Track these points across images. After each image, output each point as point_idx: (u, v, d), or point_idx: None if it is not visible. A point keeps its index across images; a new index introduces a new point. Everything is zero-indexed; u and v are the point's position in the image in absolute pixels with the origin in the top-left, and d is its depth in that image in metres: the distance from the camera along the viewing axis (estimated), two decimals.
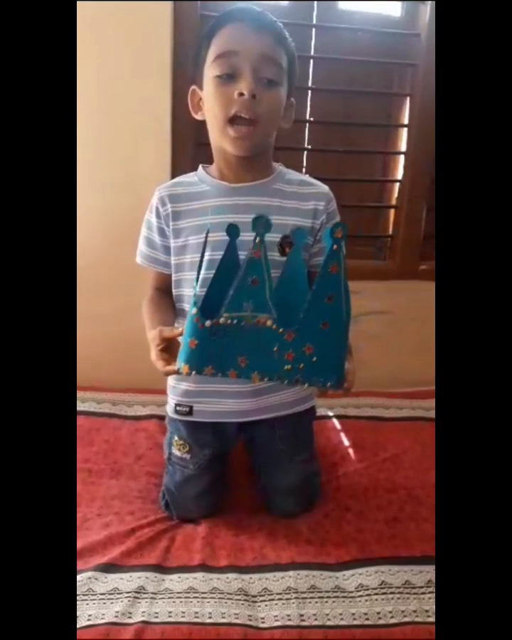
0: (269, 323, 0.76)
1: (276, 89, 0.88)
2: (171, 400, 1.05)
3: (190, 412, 1.02)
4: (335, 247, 0.75)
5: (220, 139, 0.91)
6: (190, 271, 0.97)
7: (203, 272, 0.85)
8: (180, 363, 0.78)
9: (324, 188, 1.00)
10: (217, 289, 0.81)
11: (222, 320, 0.76)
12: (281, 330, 0.76)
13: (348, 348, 0.82)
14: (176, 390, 1.04)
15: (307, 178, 1.02)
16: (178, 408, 1.03)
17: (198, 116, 0.96)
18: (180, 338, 0.80)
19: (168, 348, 0.83)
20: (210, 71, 0.88)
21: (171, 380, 1.05)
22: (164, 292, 1.03)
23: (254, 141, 0.89)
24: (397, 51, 1.50)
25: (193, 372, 0.77)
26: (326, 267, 0.76)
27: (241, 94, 0.85)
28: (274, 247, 0.87)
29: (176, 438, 1.06)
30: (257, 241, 0.75)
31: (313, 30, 1.46)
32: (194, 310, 0.76)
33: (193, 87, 0.95)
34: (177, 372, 0.79)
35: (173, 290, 1.01)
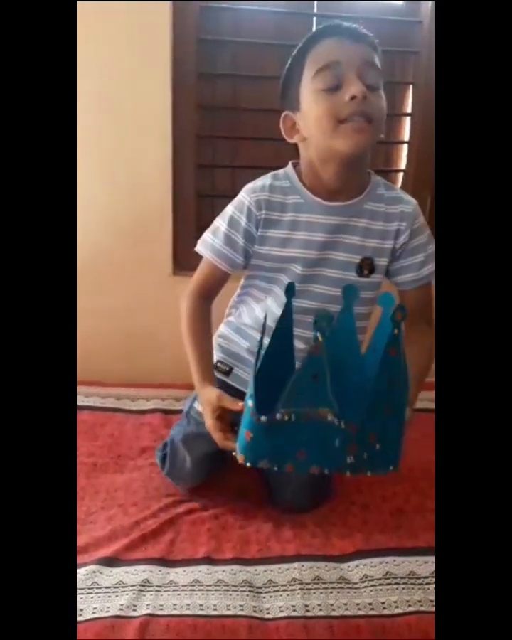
0: (330, 417, 0.72)
1: (380, 92, 0.89)
2: (215, 356, 1.06)
3: (228, 373, 1.03)
4: (396, 331, 0.72)
5: (330, 141, 0.89)
6: (263, 282, 1.01)
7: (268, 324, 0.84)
8: (238, 450, 0.77)
9: (410, 204, 1.01)
10: (271, 372, 0.77)
11: (279, 416, 0.72)
12: (343, 424, 0.72)
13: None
14: (222, 348, 1.06)
15: (397, 193, 1.02)
16: (219, 364, 1.04)
17: (292, 140, 0.96)
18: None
19: (224, 416, 0.85)
20: (313, 85, 0.88)
21: (220, 340, 1.08)
22: (206, 300, 1.04)
23: (369, 137, 0.89)
24: (399, 39, 1.49)
25: (248, 464, 0.76)
26: (387, 351, 0.72)
27: (353, 97, 0.85)
28: (352, 268, 0.90)
29: None
30: (318, 339, 0.71)
31: (314, 19, 1.45)
32: (250, 402, 0.73)
33: (285, 112, 0.95)
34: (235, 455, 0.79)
35: (243, 286, 1.05)
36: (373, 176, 1.00)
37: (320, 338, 0.71)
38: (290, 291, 0.83)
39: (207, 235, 1.02)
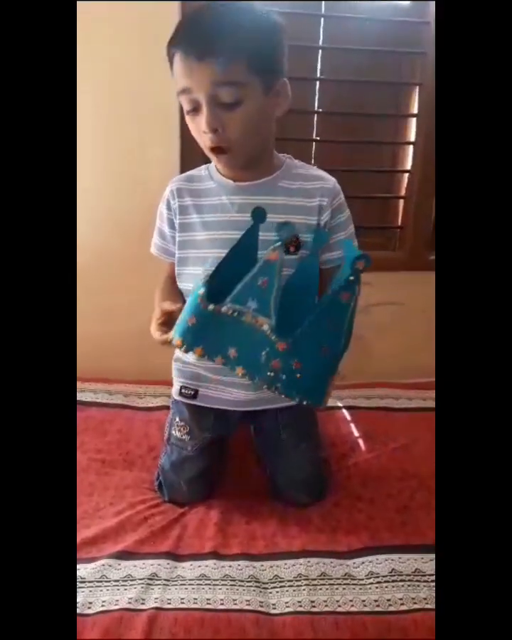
0: (265, 327, 0.77)
1: (241, 108, 0.84)
2: (177, 382, 1.07)
3: (194, 396, 1.03)
4: (351, 278, 0.73)
5: (209, 156, 0.93)
6: (193, 266, 0.99)
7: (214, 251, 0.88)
8: (174, 335, 0.80)
9: (330, 182, 0.98)
10: (226, 272, 0.80)
11: (224, 309, 0.77)
12: (274, 337, 0.76)
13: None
14: (182, 372, 1.05)
15: (314, 170, 1.01)
16: (183, 391, 1.05)
17: None
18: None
19: (168, 322, 0.86)
20: (181, 102, 0.89)
21: (178, 363, 1.07)
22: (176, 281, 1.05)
23: (236, 162, 0.92)
24: (406, 40, 1.49)
25: (184, 348, 0.79)
26: (338, 294, 0.75)
27: (205, 132, 0.86)
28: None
29: (178, 419, 1.08)
30: (277, 245, 0.76)
31: (322, 19, 1.46)
32: (202, 290, 0.77)
33: None
34: (170, 343, 0.82)
35: (178, 283, 1.03)
36: (289, 158, 1.00)
37: (279, 244, 0.76)
38: (258, 214, 0.82)
39: (154, 234, 1.06)
